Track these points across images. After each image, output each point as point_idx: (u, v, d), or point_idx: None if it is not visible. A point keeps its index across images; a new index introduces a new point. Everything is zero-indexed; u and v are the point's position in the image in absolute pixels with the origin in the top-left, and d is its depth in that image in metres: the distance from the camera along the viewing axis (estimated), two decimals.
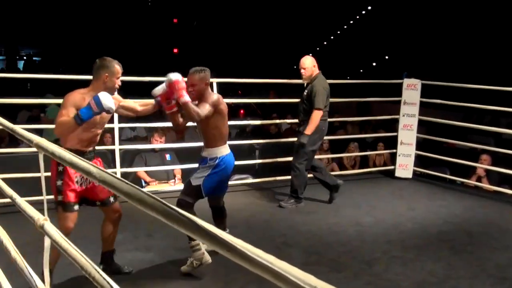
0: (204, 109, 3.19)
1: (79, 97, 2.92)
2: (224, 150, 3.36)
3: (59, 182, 2.93)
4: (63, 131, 2.86)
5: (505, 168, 5.76)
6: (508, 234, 4.40)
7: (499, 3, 14.48)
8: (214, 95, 3.32)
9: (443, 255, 3.85)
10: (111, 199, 3.17)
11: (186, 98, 3.11)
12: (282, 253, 3.73)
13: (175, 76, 3.12)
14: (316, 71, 4.92)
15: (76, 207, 3.00)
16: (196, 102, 3.28)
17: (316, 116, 4.71)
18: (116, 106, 3.13)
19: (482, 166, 5.95)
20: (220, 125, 3.32)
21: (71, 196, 2.96)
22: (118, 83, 3.04)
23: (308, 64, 4.90)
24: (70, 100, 2.89)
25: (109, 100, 2.81)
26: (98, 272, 1.23)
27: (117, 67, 3.05)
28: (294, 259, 3.58)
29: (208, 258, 3.29)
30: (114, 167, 5.00)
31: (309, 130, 4.74)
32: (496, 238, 4.26)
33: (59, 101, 3.23)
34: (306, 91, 4.90)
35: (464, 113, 9.97)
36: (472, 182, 6.02)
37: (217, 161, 3.32)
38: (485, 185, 5.92)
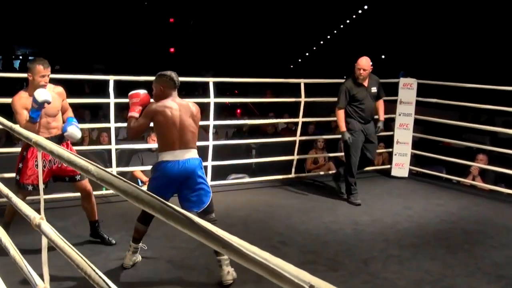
0: (136, 124, 3.34)
1: (24, 99, 3.38)
2: (165, 156, 3.20)
3: (20, 165, 3.47)
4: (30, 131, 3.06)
5: (500, 167, 5.78)
6: (505, 233, 4.42)
7: (496, 3, 14.52)
8: (153, 105, 3.29)
9: (440, 254, 3.86)
10: (77, 177, 3.62)
11: (130, 113, 3.38)
12: (279, 251, 3.74)
13: (134, 91, 3.43)
14: None
15: (30, 187, 3.49)
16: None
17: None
18: (62, 99, 3.65)
19: (478, 165, 5.97)
20: (162, 133, 3.24)
21: (27, 178, 3.47)
22: (43, 81, 3.41)
23: (369, 65, 5.04)
24: (18, 104, 3.36)
25: (42, 94, 3.26)
26: (94, 271, 1.23)
27: (39, 67, 3.40)
28: (291, 258, 3.58)
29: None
30: (111, 166, 4.99)
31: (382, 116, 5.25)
32: (492, 237, 4.28)
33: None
34: (373, 88, 5.10)
35: (460, 112, 10.00)
36: (468, 181, 6.04)
37: (155, 166, 3.29)
38: (481, 183, 5.95)
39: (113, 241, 3.81)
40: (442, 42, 15.83)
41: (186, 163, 3.20)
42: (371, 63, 5.05)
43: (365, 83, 5.07)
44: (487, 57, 14.24)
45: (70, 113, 3.75)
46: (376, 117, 5.28)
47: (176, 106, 3.26)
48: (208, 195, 3.28)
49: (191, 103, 3.39)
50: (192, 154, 3.25)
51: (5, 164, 4.75)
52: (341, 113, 5.02)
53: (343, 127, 5.00)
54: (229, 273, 3.17)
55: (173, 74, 3.33)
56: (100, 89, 5.83)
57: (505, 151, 5.96)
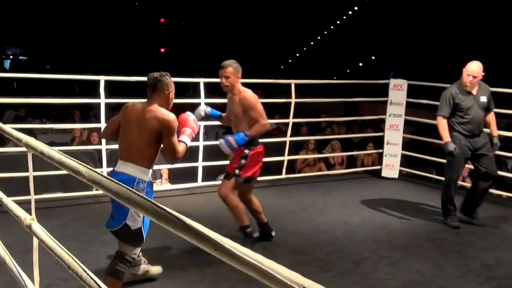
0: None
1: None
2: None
3: (243, 161, 3.67)
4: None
5: None
6: (495, 234, 4.45)
7: (484, 5, 14.66)
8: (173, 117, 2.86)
9: (431, 255, 3.88)
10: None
11: (187, 139, 2.94)
12: (270, 253, 3.74)
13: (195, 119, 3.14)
14: None
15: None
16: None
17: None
18: None
19: (468, 166, 6.01)
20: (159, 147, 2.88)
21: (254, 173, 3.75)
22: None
23: (481, 71, 4.43)
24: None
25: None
26: (85, 271, 1.22)
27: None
28: (282, 259, 3.59)
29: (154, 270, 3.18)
30: (101, 167, 4.96)
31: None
32: (483, 238, 4.30)
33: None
34: (482, 98, 4.44)
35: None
36: (458, 182, 6.07)
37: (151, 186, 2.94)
38: (470, 184, 5.98)
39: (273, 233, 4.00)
40: (432, 43, 15.95)
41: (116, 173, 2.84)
42: (482, 69, 4.41)
43: (474, 91, 4.41)
44: (475, 58, 14.36)
45: None
46: (486, 130, 4.60)
47: None
48: (120, 217, 2.73)
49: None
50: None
51: None
52: (444, 122, 4.42)
53: (446, 137, 4.37)
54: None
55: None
56: (91, 89, 5.81)
57: (495, 153, 6.00)
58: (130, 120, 2.81)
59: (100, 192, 4.52)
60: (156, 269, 3.22)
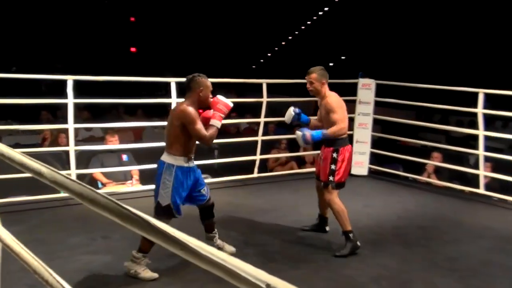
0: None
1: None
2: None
3: (332, 167, 3.80)
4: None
5: (454, 164, 6.01)
6: (458, 228, 4.59)
7: (450, 6, 15.04)
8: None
9: (398, 250, 3.98)
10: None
11: (218, 122, 3.37)
12: (242, 252, 3.75)
13: (227, 100, 3.43)
14: None
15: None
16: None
17: None
18: None
19: (433, 163, 6.19)
20: (187, 138, 3.42)
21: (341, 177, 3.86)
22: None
23: None
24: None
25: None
26: (51, 275, 1.21)
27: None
28: (254, 258, 3.61)
29: (145, 276, 3.28)
30: (69, 168, 4.87)
31: None
32: (447, 232, 4.44)
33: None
34: None
35: (416, 112, 10.30)
36: (424, 178, 6.25)
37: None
38: (436, 181, 6.17)
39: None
40: (399, 44, 16.26)
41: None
42: None
43: None
44: (441, 58, 14.72)
45: None
46: None
47: None
48: (155, 196, 3.35)
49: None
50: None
51: None
52: None
53: None
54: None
55: None
56: (59, 89, 5.69)
57: (459, 149, 6.20)
58: (169, 117, 3.34)
59: (67, 194, 4.44)
60: (230, 249, 3.66)
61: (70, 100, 4.76)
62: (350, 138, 6.45)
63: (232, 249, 3.70)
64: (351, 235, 3.81)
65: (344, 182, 3.91)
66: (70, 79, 4.73)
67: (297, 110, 4.06)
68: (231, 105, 3.42)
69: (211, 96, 3.36)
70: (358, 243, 3.81)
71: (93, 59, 18.66)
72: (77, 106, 5.19)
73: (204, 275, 3.13)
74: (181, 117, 3.22)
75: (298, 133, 3.81)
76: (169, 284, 3.25)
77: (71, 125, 4.85)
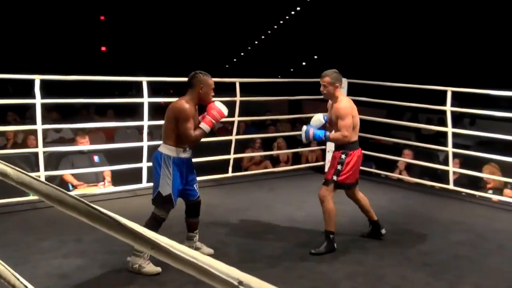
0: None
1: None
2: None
3: (338, 167, 3.83)
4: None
5: (424, 161, 6.13)
6: (429, 223, 4.68)
7: (419, 6, 15.34)
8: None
9: (371, 246, 4.03)
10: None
11: (208, 127, 3.44)
12: (217, 251, 3.74)
13: (223, 109, 3.50)
14: None
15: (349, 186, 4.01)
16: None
17: None
18: None
19: (405, 160, 6.30)
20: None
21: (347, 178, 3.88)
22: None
23: None
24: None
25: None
26: (18, 280, 1.17)
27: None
28: (230, 257, 3.61)
29: (149, 270, 3.31)
30: (38, 171, 4.76)
31: None
32: (418, 227, 4.52)
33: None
34: None
35: (387, 110, 10.47)
36: (395, 175, 6.36)
37: None
38: (407, 177, 6.28)
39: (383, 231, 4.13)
40: (371, 43, 16.50)
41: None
42: None
43: None
44: (411, 57, 15.00)
45: None
46: None
47: None
48: (156, 186, 3.40)
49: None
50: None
51: None
52: None
53: None
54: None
55: None
56: (26, 89, 5.54)
57: (429, 146, 6.33)
58: (166, 111, 3.40)
59: (37, 197, 4.35)
60: (207, 250, 3.71)
61: (38, 101, 4.65)
62: None
63: (210, 251, 3.72)
64: (332, 236, 3.84)
65: (348, 184, 3.93)
66: (37, 78, 4.62)
67: (326, 118, 4.04)
68: (226, 113, 3.49)
69: (212, 94, 3.44)
70: (335, 246, 3.84)
71: (62, 58, 18.27)
72: (46, 107, 5.08)
73: (182, 276, 3.13)
74: (175, 112, 3.31)
75: (304, 127, 3.91)
76: (145, 285, 3.21)
77: (39, 126, 4.74)
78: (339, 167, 3.85)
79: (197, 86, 3.36)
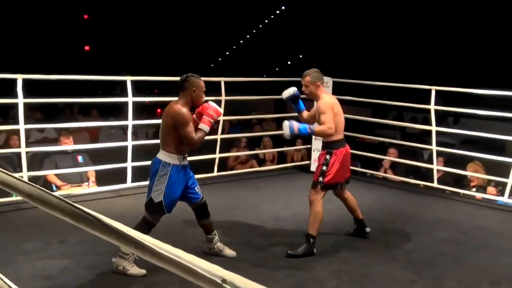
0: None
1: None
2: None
3: (323, 168, 3.81)
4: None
5: (409, 160, 6.19)
6: (414, 221, 4.73)
7: (404, 5, 15.48)
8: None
9: (357, 244, 4.06)
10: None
11: (207, 127, 3.42)
12: (203, 251, 3.73)
13: (218, 107, 3.49)
14: None
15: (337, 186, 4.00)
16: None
17: None
18: None
19: (390, 158, 6.35)
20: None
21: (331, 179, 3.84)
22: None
23: None
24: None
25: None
26: (2, 280, 1.16)
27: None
28: (215, 257, 3.60)
29: (133, 272, 3.29)
30: (21, 171, 4.69)
31: None
32: (403, 225, 4.56)
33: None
34: None
35: (373, 109, 10.55)
36: (380, 173, 6.40)
37: None
38: (392, 176, 6.33)
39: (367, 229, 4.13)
40: (356, 42, 16.60)
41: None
42: None
43: None
44: (396, 56, 15.13)
45: None
46: None
47: None
48: (149, 191, 3.38)
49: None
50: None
51: None
52: None
53: None
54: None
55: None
56: (9, 88, 5.46)
57: (413, 145, 6.39)
58: (163, 116, 3.41)
59: (20, 198, 4.29)
60: (230, 252, 3.70)
61: (20, 100, 4.59)
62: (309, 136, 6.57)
63: (232, 253, 3.71)
64: (312, 240, 3.78)
65: (335, 183, 3.90)
66: (20, 78, 4.56)
67: (297, 92, 4.02)
68: (221, 111, 3.51)
69: (204, 96, 3.42)
70: (315, 251, 3.77)
71: (45, 57, 18.04)
72: (29, 107, 5.01)
73: (166, 275, 3.11)
74: (173, 117, 3.28)
75: (286, 122, 3.77)
76: (131, 286, 3.18)
77: (22, 126, 4.68)
78: (324, 168, 3.83)
79: (189, 89, 3.33)
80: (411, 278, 3.45)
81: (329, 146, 3.87)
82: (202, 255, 3.57)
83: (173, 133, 3.29)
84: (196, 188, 3.57)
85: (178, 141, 3.32)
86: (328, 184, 3.84)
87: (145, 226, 3.34)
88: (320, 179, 3.83)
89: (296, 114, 4.32)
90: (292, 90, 4.03)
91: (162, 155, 3.34)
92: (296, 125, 3.77)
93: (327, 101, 3.84)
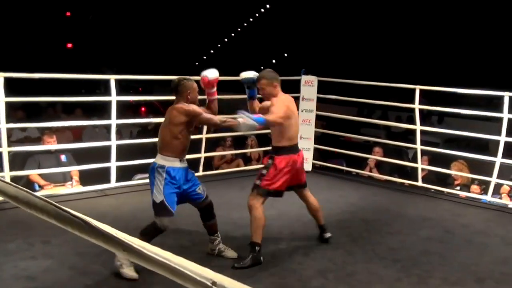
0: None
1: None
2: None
3: (264, 171, 3.72)
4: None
5: (394, 158, 6.24)
6: (399, 219, 4.77)
7: (389, 4, 15.60)
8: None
9: (342, 243, 4.07)
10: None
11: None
12: (188, 251, 3.71)
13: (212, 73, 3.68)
14: None
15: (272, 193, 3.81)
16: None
17: None
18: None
19: (375, 157, 6.39)
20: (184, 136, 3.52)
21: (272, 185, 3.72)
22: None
23: None
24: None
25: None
26: None
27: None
28: (201, 257, 3.57)
29: (126, 272, 3.23)
30: (2, 171, 4.61)
31: None
32: (388, 224, 4.60)
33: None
34: None
35: (358, 108, 10.61)
36: (366, 172, 6.44)
37: None
38: (377, 174, 6.38)
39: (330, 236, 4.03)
40: (341, 42, 16.68)
41: None
42: None
43: None
44: (381, 56, 15.24)
45: None
46: None
47: None
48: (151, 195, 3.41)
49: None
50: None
51: None
52: None
53: None
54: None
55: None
56: None
57: (398, 144, 6.44)
58: (164, 120, 3.46)
59: (1, 198, 4.21)
60: (231, 253, 3.69)
61: (2, 99, 4.51)
62: None
63: (234, 254, 3.69)
64: (257, 248, 3.59)
65: (274, 191, 3.73)
66: (1, 76, 4.48)
67: (256, 78, 3.86)
68: (217, 74, 3.68)
69: (198, 96, 3.51)
70: (261, 259, 3.58)
71: (27, 55, 17.78)
72: (10, 105, 4.92)
73: (148, 275, 3.08)
74: (185, 114, 3.36)
75: (240, 115, 3.47)
76: (114, 286, 3.15)
77: (3, 125, 4.59)
78: (264, 171, 3.73)
79: (184, 93, 3.41)
80: (396, 276, 3.47)
81: (274, 151, 3.76)
82: (204, 256, 3.60)
83: (178, 134, 3.34)
84: (197, 189, 3.57)
85: (180, 143, 3.37)
86: (265, 189, 3.68)
87: (152, 230, 3.37)
88: (257, 182, 3.71)
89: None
90: (252, 74, 3.92)
91: (158, 159, 3.39)
92: (252, 116, 3.49)
93: (284, 99, 3.75)
